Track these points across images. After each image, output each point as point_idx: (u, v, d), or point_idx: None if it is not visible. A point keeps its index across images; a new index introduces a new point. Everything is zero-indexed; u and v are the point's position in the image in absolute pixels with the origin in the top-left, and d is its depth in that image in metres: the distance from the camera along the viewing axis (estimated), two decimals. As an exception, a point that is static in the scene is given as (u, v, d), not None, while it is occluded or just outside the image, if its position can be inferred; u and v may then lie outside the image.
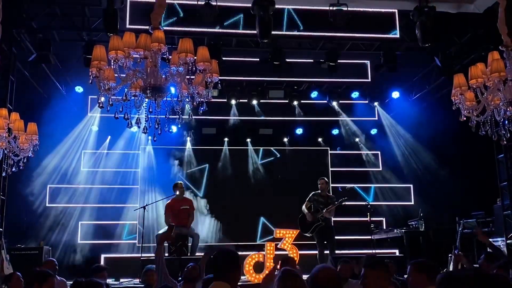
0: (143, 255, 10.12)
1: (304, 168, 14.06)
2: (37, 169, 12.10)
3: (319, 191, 10.77)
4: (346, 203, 10.79)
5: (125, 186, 13.16)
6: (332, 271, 3.28)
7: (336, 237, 10.79)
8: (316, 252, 10.54)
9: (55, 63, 10.69)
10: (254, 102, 13.40)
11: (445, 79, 10.85)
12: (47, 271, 4.73)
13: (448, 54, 10.84)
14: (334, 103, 13.75)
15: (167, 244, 10.08)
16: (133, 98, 5.70)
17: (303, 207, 10.79)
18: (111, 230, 12.90)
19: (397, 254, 11.54)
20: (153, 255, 10.27)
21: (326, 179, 11.19)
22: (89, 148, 13.07)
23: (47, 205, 12.60)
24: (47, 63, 10.50)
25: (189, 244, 10.19)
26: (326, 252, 10.45)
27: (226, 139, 13.93)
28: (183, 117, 5.94)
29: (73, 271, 10.67)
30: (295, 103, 13.57)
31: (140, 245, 10.46)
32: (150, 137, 12.15)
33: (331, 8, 9.46)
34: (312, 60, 11.89)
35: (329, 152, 14.37)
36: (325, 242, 10.47)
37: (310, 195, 10.88)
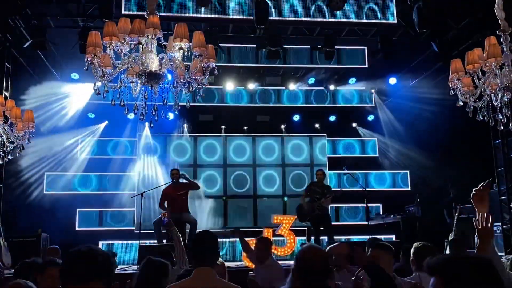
0: (141, 242, 10.14)
1: (302, 154, 14.10)
2: (34, 157, 12.06)
3: (316, 181, 10.86)
4: (343, 189, 10.89)
5: (122, 173, 13.17)
6: (319, 251, 3.05)
7: (332, 223, 10.86)
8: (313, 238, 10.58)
9: (50, 50, 10.61)
10: (251, 88, 13.36)
11: (442, 64, 10.82)
12: (49, 259, 4.69)
13: (445, 39, 10.80)
14: (331, 89, 13.73)
15: (164, 231, 10.11)
16: (129, 84, 5.68)
17: (302, 197, 10.85)
18: (108, 216, 12.94)
19: (394, 239, 11.59)
20: (151, 241, 10.36)
21: (323, 170, 11.29)
22: (86, 135, 13.04)
23: (44, 192, 12.61)
24: (42, 50, 10.42)
25: (187, 230, 10.20)
26: (322, 238, 10.52)
27: (223, 126, 13.90)
28: (180, 103, 5.91)
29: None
30: (292, 89, 13.55)
31: (138, 231, 10.48)
32: (147, 123, 12.15)
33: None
34: (309, 46, 11.84)
35: (326, 138, 14.37)
36: (322, 229, 10.52)
37: (308, 185, 10.99)
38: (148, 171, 13.19)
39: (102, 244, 12.06)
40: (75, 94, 12.61)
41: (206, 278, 3.47)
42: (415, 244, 4.85)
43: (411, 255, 4.78)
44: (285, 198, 13.76)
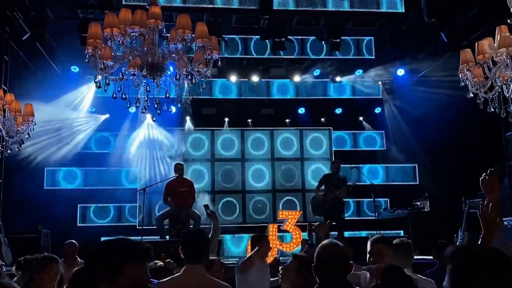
0: (144, 237, 10.17)
1: (307, 148, 14.10)
2: (34, 152, 12.09)
3: (331, 172, 10.82)
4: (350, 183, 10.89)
5: (124, 168, 13.19)
6: (339, 247, 3.05)
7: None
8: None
9: (50, 42, 10.61)
10: (255, 80, 13.33)
11: (452, 55, 10.76)
12: (48, 255, 4.72)
13: (455, 29, 10.73)
14: (337, 81, 13.69)
15: (167, 227, 10.15)
16: (131, 77, 5.68)
17: (316, 188, 10.84)
18: (110, 212, 12.99)
19: (402, 234, 11.58)
20: (153, 237, 10.39)
21: (339, 161, 11.23)
22: (86, 129, 13.06)
23: (45, 187, 12.66)
24: (41, 43, 10.42)
25: (191, 226, 10.22)
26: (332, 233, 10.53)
27: (226, 119, 13.89)
28: (182, 97, 5.92)
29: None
30: (297, 81, 13.52)
31: (141, 227, 10.50)
32: (148, 116, 12.13)
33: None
34: (314, 37, 11.80)
35: (332, 131, 14.35)
36: (334, 224, 10.51)
37: (322, 176, 10.96)
38: (150, 166, 13.21)
39: (104, 240, 12.09)
40: (75, 87, 12.63)
41: (195, 275, 3.52)
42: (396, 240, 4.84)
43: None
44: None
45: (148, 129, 13.31)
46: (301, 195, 13.75)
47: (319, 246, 3.09)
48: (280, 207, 13.12)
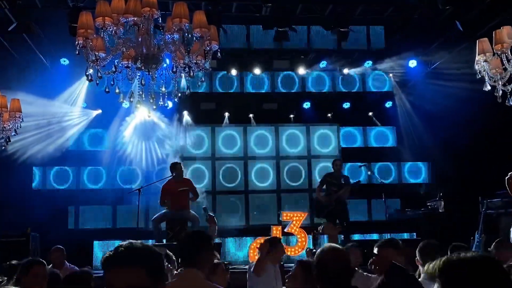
0: (139, 241, 10.17)
1: (313, 145, 14.09)
2: (21, 149, 12.10)
3: (332, 171, 10.81)
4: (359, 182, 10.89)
5: (119, 167, 13.22)
6: (339, 251, 3.09)
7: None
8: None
9: (37, 33, 10.60)
10: (257, 73, 13.31)
11: (468, 45, 10.72)
12: (34, 259, 4.74)
13: (471, 17, 10.69)
14: (345, 73, 13.65)
15: (164, 229, 10.16)
16: (124, 70, 5.67)
17: (317, 189, 10.84)
18: (103, 214, 13.00)
19: (414, 237, 11.57)
20: (150, 241, 10.38)
21: (340, 159, 11.23)
22: (77, 125, 13.05)
23: (33, 188, 12.67)
24: (28, 33, 10.40)
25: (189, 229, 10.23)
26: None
27: (226, 113, 13.85)
28: (180, 91, 5.91)
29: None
30: (302, 74, 13.49)
31: (136, 230, 10.49)
32: (143, 111, 12.10)
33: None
34: (320, 26, 11.77)
35: (339, 128, 14.32)
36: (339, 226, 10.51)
37: (323, 176, 10.95)
38: (146, 165, 13.21)
39: (96, 244, 12.10)
40: (65, 81, 12.62)
41: (192, 280, 3.48)
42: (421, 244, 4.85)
43: (417, 253, 4.77)
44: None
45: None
46: (308, 195, 13.74)
47: (318, 250, 3.08)
48: (286, 209, 13.13)
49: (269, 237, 7.45)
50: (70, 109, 12.87)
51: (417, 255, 4.73)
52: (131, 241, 2.07)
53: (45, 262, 4.69)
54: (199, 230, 3.87)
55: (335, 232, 6.21)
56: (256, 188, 13.88)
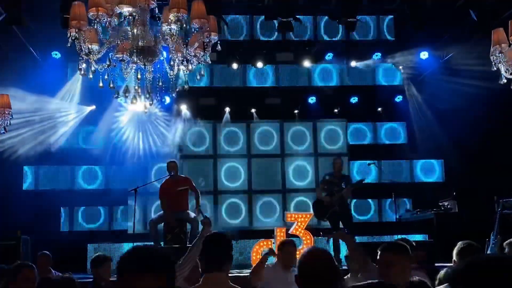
0: (136, 244, 10.19)
1: (318, 142, 14.10)
2: (11, 147, 12.12)
3: (333, 171, 10.83)
4: (366, 181, 10.90)
5: (115, 166, 13.23)
6: (322, 253, 3.02)
7: (354, 222, 10.89)
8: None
9: (27, 25, 10.61)
10: (259, 66, 13.30)
11: (483, 35, 10.70)
12: (22, 263, 4.76)
13: (485, 6, 10.67)
14: (353, 66, 13.64)
15: (162, 231, 10.17)
16: (119, 63, 5.69)
17: (317, 190, 10.85)
18: (98, 215, 13.03)
19: (426, 239, 11.58)
20: (148, 243, 10.40)
21: (341, 158, 11.25)
22: (70, 122, 13.07)
23: (24, 188, 12.69)
24: (18, 25, 10.42)
25: (188, 231, 10.23)
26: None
27: (227, 109, 13.84)
28: (178, 85, 5.92)
29: (56, 263, 10.76)
30: (307, 66, 13.48)
31: (132, 232, 10.51)
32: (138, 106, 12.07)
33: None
34: (326, 16, 11.77)
35: (346, 124, 14.33)
36: (341, 228, 10.52)
37: (323, 176, 10.97)
38: (142, 163, 13.23)
39: (91, 247, 12.13)
40: (57, 76, 12.63)
41: (218, 284, 3.54)
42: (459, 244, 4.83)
43: (454, 255, 4.76)
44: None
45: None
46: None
47: (302, 253, 3.05)
48: (292, 209, 13.15)
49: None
50: (63, 105, 12.87)
51: (454, 256, 4.73)
52: (147, 244, 2.14)
53: (34, 266, 4.69)
54: (223, 233, 3.93)
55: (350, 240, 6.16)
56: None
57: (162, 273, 2.00)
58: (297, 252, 6.55)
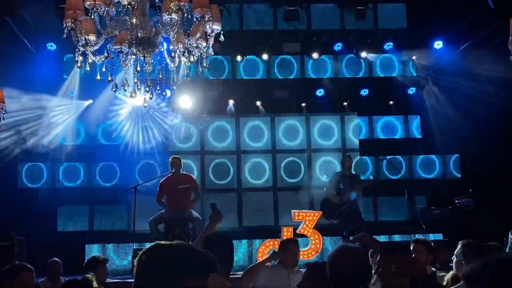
0: (136, 244, 10.24)
1: (327, 137, 14.10)
2: (5, 144, 12.18)
3: (342, 170, 10.86)
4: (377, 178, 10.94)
5: (112, 163, 13.29)
6: (355, 251, 3.05)
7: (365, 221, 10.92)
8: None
9: (21, 16, 10.64)
10: (265, 57, 13.29)
11: (500, 23, 10.67)
12: (21, 264, 4.78)
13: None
14: (363, 57, 13.61)
15: (163, 231, 10.20)
16: (117, 55, 5.71)
17: (325, 189, 10.87)
18: (96, 215, 13.08)
19: (441, 238, 11.58)
20: (148, 244, 10.44)
21: (351, 156, 11.27)
22: (67, 118, 13.10)
23: (18, 186, 12.75)
24: (11, 16, 10.45)
25: (190, 231, 10.27)
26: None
27: (231, 101, 13.86)
28: (179, 78, 5.94)
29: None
30: (315, 57, 13.46)
31: (132, 232, 10.54)
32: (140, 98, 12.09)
33: None
34: (335, 4, 11.75)
35: (357, 118, 14.32)
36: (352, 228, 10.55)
37: (332, 175, 11.01)
38: (143, 160, 13.28)
39: (88, 248, 12.18)
40: (52, 68, 12.66)
41: (216, 284, 3.56)
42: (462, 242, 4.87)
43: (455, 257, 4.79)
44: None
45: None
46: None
47: (332, 252, 3.07)
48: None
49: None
50: (59, 100, 12.90)
51: (458, 257, 4.75)
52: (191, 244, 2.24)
53: (33, 268, 4.70)
54: (225, 234, 3.95)
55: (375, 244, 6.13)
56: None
57: None
58: (300, 252, 6.58)
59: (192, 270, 2.03)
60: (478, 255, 4.56)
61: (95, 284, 4.23)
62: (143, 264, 2.06)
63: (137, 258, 2.08)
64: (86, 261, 7.18)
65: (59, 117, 12.99)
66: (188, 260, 2.05)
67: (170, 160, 10.52)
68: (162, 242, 2.15)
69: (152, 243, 2.17)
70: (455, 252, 5.05)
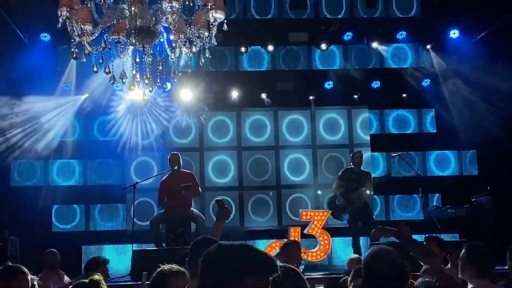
0: (136, 245, 10.23)
1: (335, 132, 14.07)
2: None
3: (352, 166, 10.84)
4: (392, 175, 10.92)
5: (109, 160, 13.29)
6: (391, 254, 3.08)
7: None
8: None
9: (14, 5, 10.63)
10: (270, 48, 13.26)
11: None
12: (16, 267, 4.77)
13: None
14: (374, 47, 13.57)
15: (164, 231, 10.19)
16: (115, 45, 5.69)
17: (334, 187, 10.85)
18: (92, 214, 13.09)
19: (458, 238, 11.56)
20: (148, 245, 10.45)
21: (361, 152, 11.25)
22: (61, 112, 13.10)
23: (11, 185, 12.76)
24: (4, 7, 10.44)
25: (193, 230, 10.26)
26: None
27: (235, 93, 13.79)
28: (180, 69, 5.92)
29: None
30: (323, 48, 13.42)
31: (131, 232, 10.55)
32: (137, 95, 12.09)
33: None
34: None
35: (367, 111, 14.27)
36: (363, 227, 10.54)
37: (341, 171, 10.98)
38: (141, 157, 13.28)
39: (85, 249, 12.19)
40: (46, 60, 12.66)
41: None
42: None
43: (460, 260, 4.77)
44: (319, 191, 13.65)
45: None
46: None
47: (367, 254, 3.09)
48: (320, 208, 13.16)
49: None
50: (55, 98, 12.89)
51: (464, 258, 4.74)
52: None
53: (27, 271, 4.68)
54: (211, 238, 3.90)
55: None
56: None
57: None
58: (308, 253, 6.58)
59: (254, 270, 2.10)
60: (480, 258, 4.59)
61: (104, 285, 4.21)
62: (206, 264, 2.15)
63: (201, 259, 2.16)
64: (86, 262, 7.19)
65: (53, 112, 12.97)
66: (250, 260, 2.11)
67: (168, 157, 10.45)
68: (224, 242, 2.22)
69: (215, 244, 2.22)
70: (460, 254, 5.03)
